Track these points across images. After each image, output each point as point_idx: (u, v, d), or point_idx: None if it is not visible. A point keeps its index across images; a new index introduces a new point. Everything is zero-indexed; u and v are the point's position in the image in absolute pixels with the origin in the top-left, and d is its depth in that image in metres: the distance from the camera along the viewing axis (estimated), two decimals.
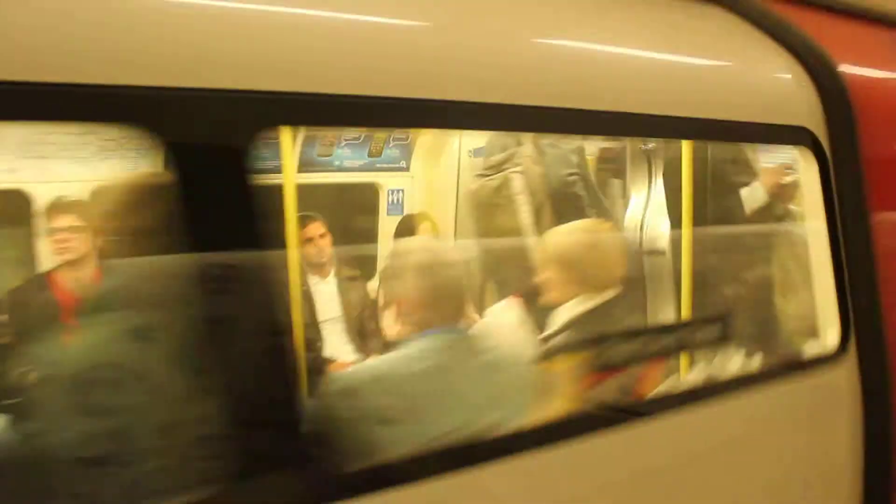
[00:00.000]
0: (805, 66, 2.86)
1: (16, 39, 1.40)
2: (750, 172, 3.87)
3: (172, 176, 1.48)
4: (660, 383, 2.62)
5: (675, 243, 3.42)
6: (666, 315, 3.88)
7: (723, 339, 2.65)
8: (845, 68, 2.91)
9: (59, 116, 1.59)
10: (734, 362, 2.77)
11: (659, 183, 4.19)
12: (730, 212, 3.73)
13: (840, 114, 2.83)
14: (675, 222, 3.60)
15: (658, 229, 4.16)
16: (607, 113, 2.24)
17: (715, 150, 3.65)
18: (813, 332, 2.96)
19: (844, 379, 2.81)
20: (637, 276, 3.62)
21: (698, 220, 3.13)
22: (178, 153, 1.47)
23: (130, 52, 1.45)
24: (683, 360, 2.77)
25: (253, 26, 1.64)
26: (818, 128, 2.74)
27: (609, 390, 2.33)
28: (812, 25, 3.05)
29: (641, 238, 4.27)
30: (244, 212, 1.52)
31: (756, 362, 2.82)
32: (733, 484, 2.55)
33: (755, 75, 2.91)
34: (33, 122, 2.24)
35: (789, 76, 2.83)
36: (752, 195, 3.84)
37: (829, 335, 2.81)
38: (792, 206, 3.77)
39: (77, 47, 1.42)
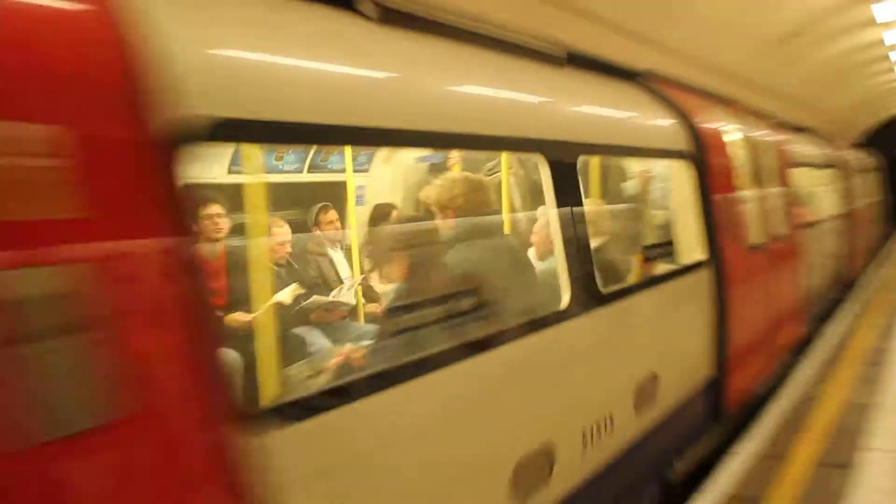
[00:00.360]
0: (683, 118, 6.24)
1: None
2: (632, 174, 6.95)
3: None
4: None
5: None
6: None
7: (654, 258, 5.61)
8: (697, 120, 6.37)
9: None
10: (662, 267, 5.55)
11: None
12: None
13: (697, 143, 6.18)
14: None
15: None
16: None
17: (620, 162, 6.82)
18: (694, 252, 5.91)
19: (708, 273, 5.95)
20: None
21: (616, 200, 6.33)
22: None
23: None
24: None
25: None
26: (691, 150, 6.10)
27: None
28: (681, 96, 6.66)
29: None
30: None
31: (671, 266, 5.67)
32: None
33: (662, 122, 6.07)
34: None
35: (676, 122, 6.16)
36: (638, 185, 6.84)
37: (700, 254, 5.92)
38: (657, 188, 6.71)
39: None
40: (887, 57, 19.46)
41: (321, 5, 3.09)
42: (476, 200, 4.00)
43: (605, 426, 4.27)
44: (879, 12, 14.24)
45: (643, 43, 9.96)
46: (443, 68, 3.63)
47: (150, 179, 1.97)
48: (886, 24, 15.45)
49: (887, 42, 17.32)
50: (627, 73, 6.25)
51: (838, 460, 5.53)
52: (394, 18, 3.36)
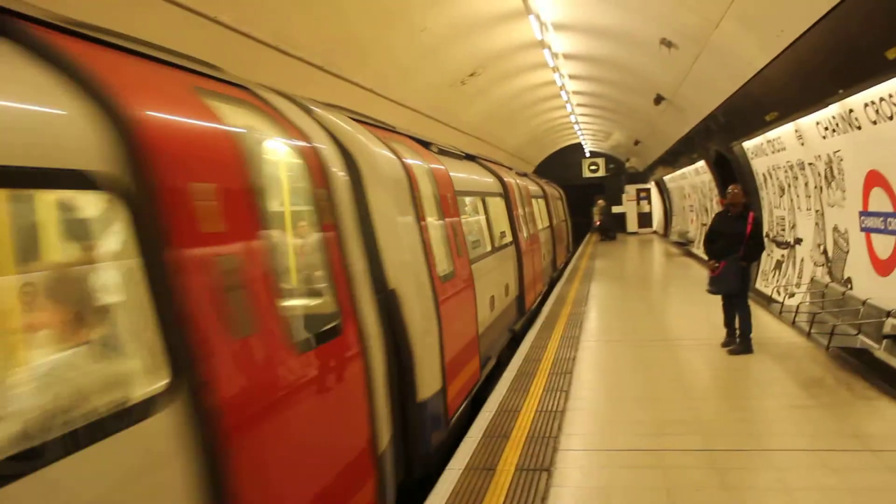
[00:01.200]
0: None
1: None
2: None
3: None
4: None
5: None
6: None
7: None
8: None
9: None
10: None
11: None
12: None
13: None
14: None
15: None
16: None
17: None
18: None
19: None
20: None
21: None
22: None
23: None
24: None
25: None
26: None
27: None
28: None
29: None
30: None
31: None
32: None
33: None
34: None
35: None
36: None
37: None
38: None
39: None
40: (559, 95, 21.40)
41: None
42: None
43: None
44: (549, 57, 15.64)
45: (344, 82, 10.50)
46: None
47: None
48: (555, 68, 16.96)
49: (558, 83, 19.04)
50: None
51: (541, 465, 5.96)
52: None
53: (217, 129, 3.55)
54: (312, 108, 5.53)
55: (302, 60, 9.13)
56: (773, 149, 12.34)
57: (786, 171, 12.10)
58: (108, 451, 2.40)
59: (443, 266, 7.24)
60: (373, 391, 4.69)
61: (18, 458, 2.12)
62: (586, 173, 39.33)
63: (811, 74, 8.91)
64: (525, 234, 14.22)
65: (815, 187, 10.69)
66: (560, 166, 38.19)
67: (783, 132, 11.36)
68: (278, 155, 4.60)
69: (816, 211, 10.79)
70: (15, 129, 2.39)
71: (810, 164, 10.68)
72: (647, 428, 6.84)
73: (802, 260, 11.68)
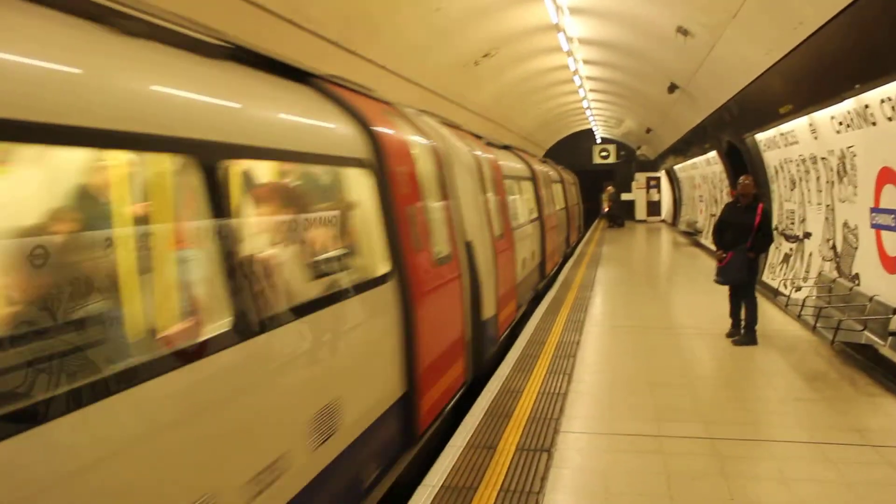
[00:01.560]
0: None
1: None
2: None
3: None
4: None
5: None
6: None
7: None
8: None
9: None
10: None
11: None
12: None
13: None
14: None
15: None
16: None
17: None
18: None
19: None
20: None
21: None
22: None
23: None
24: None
25: None
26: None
27: None
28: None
29: None
30: None
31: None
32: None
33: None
34: None
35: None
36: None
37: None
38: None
39: None
40: (572, 80, 21.29)
41: None
42: None
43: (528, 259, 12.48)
44: (563, 41, 15.55)
45: (358, 58, 10.46)
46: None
47: None
48: (569, 52, 16.85)
49: (571, 67, 18.93)
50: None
51: (541, 445, 6.00)
52: None
53: (400, 134, 6.38)
54: (423, 115, 8.15)
55: (316, 34, 9.11)
56: (785, 142, 12.30)
57: (798, 165, 12.06)
58: (377, 293, 5.16)
59: (496, 229, 9.89)
60: (464, 300, 7.50)
61: (354, 288, 4.80)
62: (596, 159, 39.23)
63: (828, 68, 8.87)
64: (547, 213, 17.08)
65: (827, 182, 10.66)
66: (570, 151, 38.09)
67: (797, 125, 11.31)
68: (422, 149, 7.04)
69: (827, 206, 10.76)
70: (332, 137, 5.09)
71: (823, 158, 10.64)
72: (649, 413, 6.87)
73: (811, 254, 11.67)
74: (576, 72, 19.62)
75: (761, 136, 13.72)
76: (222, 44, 4.04)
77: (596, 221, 36.92)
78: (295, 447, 3.77)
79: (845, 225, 9.91)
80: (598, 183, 37.18)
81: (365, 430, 4.77)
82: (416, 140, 6.81)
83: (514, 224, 11.79)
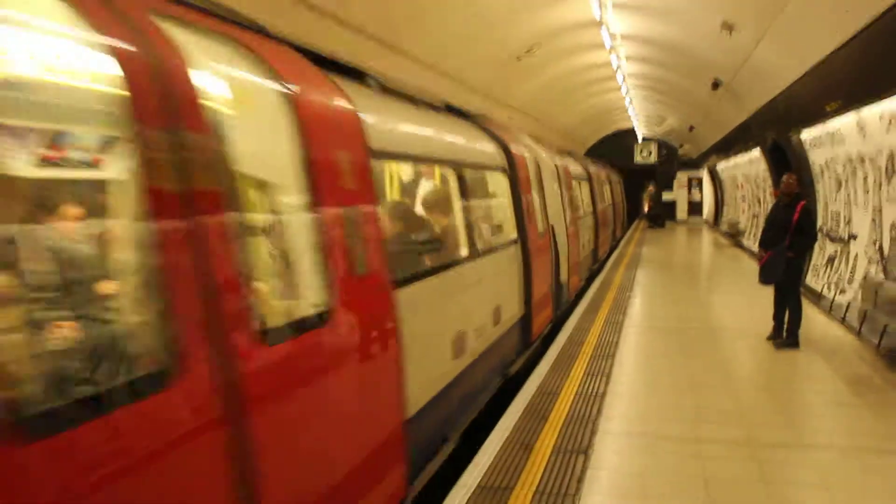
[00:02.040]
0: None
1: None
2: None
3: None
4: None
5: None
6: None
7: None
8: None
9: None
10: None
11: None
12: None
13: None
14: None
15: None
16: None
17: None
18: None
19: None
20: None
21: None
22: None
23: None
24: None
25: None
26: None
27: None
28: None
29: None
30: None
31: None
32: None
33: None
34: None
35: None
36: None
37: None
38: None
39: None
40: (614, 77, 21.11)
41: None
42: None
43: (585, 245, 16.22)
44: (606, 37, 15.42)
45: (400, 55, 10.51)
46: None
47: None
48: (612, 49, 16.71)
49: (614, 64, 18.77)
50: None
51: (578, 447, 5.95)
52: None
53: (519, 149, 9.68)
54: (523, 134, 11.97)
55: (361, 32, 9.15)
56: (832, 140, 12.03)
57: (844, 165, 11.79)
58: (514, 248, 8.73)
59: (568, 218, 13.02)
60: (552, 264, 10.88)
61: (507, 244, 8.56)
62: (637, 158, 38.77)
63: (878, 63, 8.64)
64: (600, 208, 20.53)
65: (875, 182, 10.41)
66: (611, 150, 37.72)
67: (844, 123, 11.06)
68: (529, 159, 10.18)
69: (874, 207, 10.51)
70: (488, 155, 8.37)
71: (871, 158, 10.40)
72: (688, 415, 6.78)
73: (856, 256, 11.41)
74: (618, 68, 19.43)
75: (806, 135, 13.45)
76: (442, 103, 8.00)
77: (636, 221, 36.58)
78: (489, 320, 7.29)
79: (893, 226, 9.67)
80: (638, 182, 36.84)
81: (510, 327, 8.26)
82: (525, 153, 9.99)
83: (577, 215, 14.97)
